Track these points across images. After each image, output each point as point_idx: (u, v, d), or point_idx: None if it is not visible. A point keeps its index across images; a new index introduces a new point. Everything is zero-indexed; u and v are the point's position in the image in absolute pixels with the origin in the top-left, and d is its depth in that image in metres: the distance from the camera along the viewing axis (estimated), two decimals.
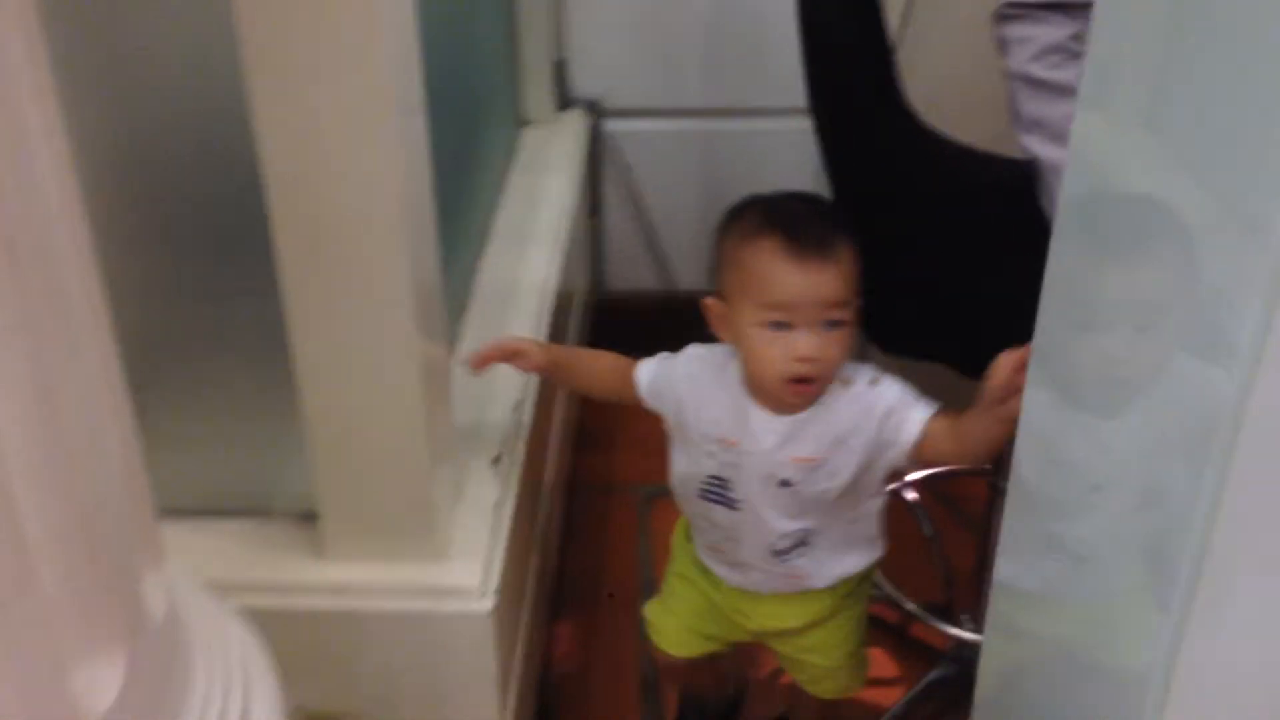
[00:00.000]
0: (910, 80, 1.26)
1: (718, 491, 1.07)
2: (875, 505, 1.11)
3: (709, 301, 1.06)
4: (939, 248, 1.23)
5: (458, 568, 0.99)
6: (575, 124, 1.96)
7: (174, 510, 1.02)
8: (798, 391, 1.01)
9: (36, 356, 0.49)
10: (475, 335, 1.32)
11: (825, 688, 1.21)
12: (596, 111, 2.03)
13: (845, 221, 1.05)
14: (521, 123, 1.94)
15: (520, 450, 1.17)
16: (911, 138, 1.21)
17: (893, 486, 1.65)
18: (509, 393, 1.23)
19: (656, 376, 1.10)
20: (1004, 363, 0.94)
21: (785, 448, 1.03)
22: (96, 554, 0.56)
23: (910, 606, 1.47)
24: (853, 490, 1.06)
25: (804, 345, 0.99)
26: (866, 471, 1.05)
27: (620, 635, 1.53)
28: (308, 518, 1.01)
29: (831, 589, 1.13)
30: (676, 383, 1.08)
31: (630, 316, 2.07)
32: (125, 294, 0.98)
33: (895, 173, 1.26)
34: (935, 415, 1.02)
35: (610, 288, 2.20)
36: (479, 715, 1.04)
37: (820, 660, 1.18)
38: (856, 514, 1.10)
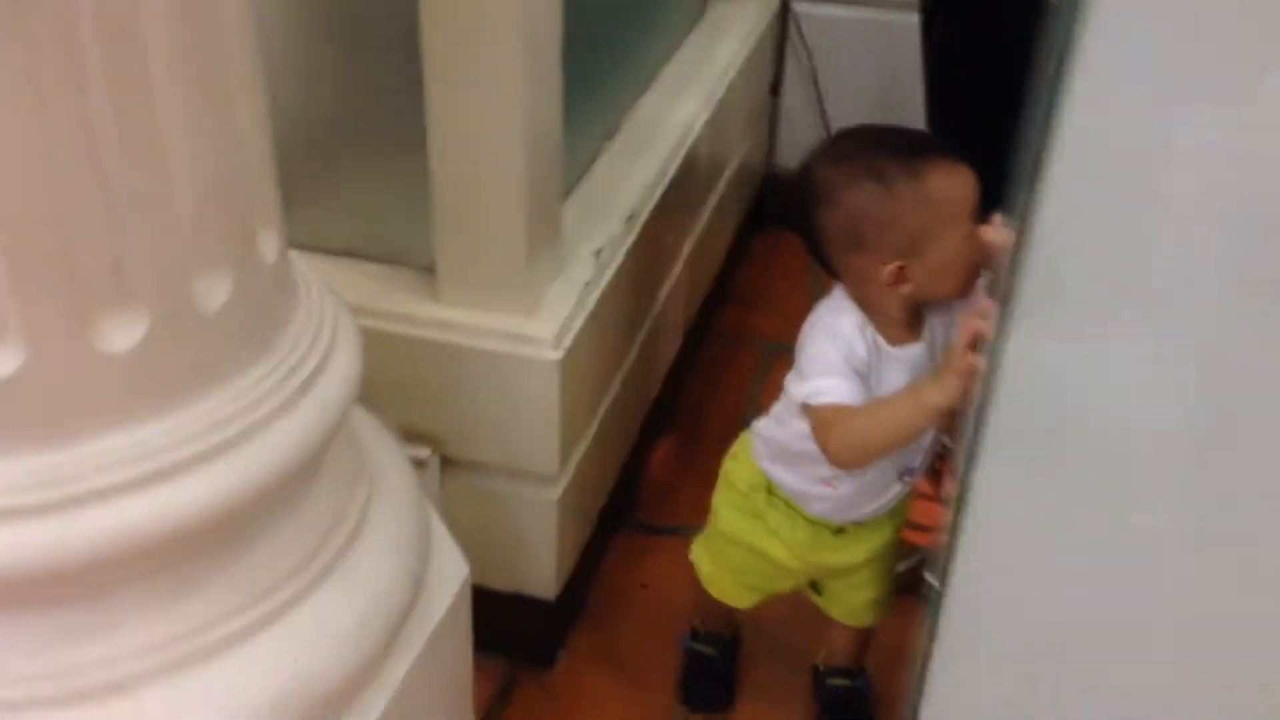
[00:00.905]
0: None
1: None
2: None
3: (892, 269, 1.04)
4: None
5: (539, 323, 1.18)
6: (765, 1, 2.10)
7: (327, 249, 1.26)
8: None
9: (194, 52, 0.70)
10: (608, 165, 1.50)
11: (866, 617, 1.28)
12: None
13: None
14: None
15: (623, 251, 1.35)
16: None
17: None
18: (626, 205, 1.41)
19: (855, 376, 1.06)
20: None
21: (929, 361, 1.09)
22: (224, 192, 0.77)
23: None
24: None
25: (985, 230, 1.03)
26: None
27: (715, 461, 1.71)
28: (429, 270, 1.22)
29: (891, 518, 1.20)
30: (861, 359, 1.07)
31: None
32: (304, 79, 1.20)
33: None
34: None
35: (782, 165, 2.34)
36: (541, 460, 1.24)
37: (869, 593, 1.25)
38: None
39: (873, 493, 1.16)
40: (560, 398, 1.19)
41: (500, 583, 1.31)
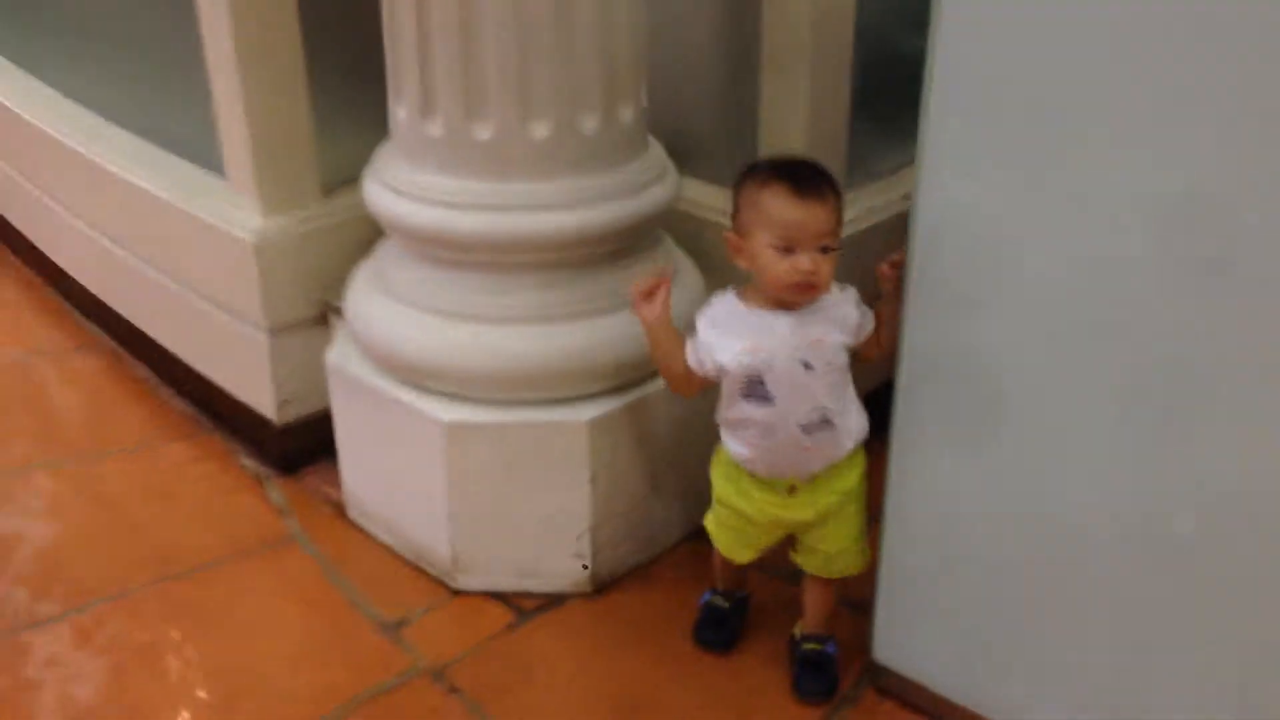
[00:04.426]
0: None
1: (758, 390, 1.37)
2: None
3: (728, 235, 1.38)
4: None
5: None
6: None
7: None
8: (800, 292, 1.34)
9: None
10: None
11: (832, 569, 1.51)
12: None
13: (833, 175, 1.37)
14: None
15: None
16: None
17: None
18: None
19: (696, 351, 1.40)
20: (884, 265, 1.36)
21: (798, 331, 1.36)
22: (600, 71, 1.50)
23: None
24: (846, 368, 1.40)
25: (805, 262, 1.32)
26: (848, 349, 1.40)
27: None
28: None
29: (830, 481, 1.44)
30: (705, 339, 1.39)
31: None
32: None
33: None
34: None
35: None
36: None
37: (830, 546, 1.48)
38: (850, 392, 1.42)
39: (785, 447, 1.40)
40: None
41: None
